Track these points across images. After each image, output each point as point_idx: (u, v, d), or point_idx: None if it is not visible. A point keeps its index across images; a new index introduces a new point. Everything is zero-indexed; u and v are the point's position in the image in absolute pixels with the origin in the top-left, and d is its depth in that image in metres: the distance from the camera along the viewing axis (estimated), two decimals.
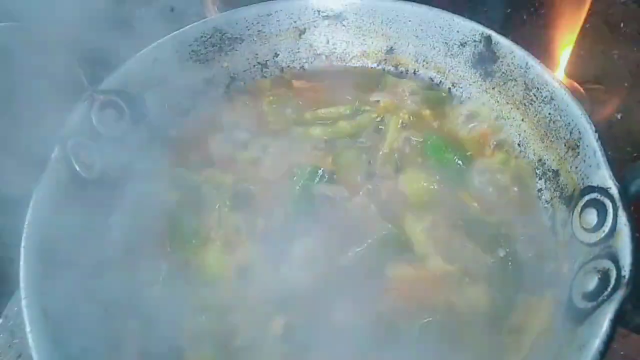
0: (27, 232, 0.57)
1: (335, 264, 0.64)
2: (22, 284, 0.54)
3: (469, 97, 0.78)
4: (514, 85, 0.72)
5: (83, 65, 0.72)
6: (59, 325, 0.53)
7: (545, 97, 0.68)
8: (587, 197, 0.59)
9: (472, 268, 0.61)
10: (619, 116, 1.23)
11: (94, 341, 0.56)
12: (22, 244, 0.56)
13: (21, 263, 0.55)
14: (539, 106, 0.69)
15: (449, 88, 0.81)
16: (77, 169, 0.66)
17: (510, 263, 0.61)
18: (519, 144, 0.73)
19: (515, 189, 0.69)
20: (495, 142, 0.74)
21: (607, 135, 0.83)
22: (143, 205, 0.71)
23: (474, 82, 0.78)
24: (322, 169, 0.72)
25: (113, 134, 0.73)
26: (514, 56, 0.72)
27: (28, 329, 0.50)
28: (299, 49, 0.87)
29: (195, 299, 0.64)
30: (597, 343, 0.46)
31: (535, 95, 0.69)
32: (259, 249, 0.67)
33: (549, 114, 0.67)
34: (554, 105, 0.66)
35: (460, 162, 0.73)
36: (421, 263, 0.64)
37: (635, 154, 1.12)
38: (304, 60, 0.88)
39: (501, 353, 0.57)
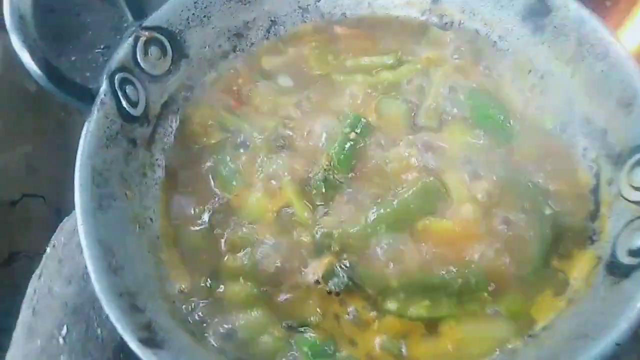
0: (80, 162, 0.58)
1: (372, 212, 0.64)
2: (78, 213, 0.55)
3: (516, 51, 0.77)
4: (566, 40, 0.71)
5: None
6: (112, 253, 0.55)
7: (599, 54, 0.66)
8: (637, 156, 0.59)
9: (514, 223, 0.62)
10: None
11: (143, 270, 0.58)
12: (76, 174, 0.57)
13: (75, 193, 0.56)
14: (592, 63, 0.67)
15: (495, 41, 0.79)
16: (124, 104, 0.66)
17: (552, 220, 0.62)
18: (565, 102, 0.72)
19: (560, 146, 0.69)
20: (540, 99, 0.73)
21: None
22: (187, 143, 0.73)
23: (522, 35, 0.76)
24: (363, 117, 0.72)
25: (156, 72, 0.73)
26: (568, 9, 0.70)
27: (87, 255, 0.52)
28: None
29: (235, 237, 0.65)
30: None
31: (588, 52, 0.68)
32: (298, 196, 0.67)
33: (602, 71, 0.66)
34: (608, 62, 0.65)
35: (503, 118, 0.72)
36: (459, 216, 0.64)
37: None
38: (346, 7, 0.86)
39: (539, 304, 0.58)
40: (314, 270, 0.62)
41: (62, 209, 1.23)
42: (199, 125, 0.74)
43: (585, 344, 0.47)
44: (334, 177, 0.68)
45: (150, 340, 0.49)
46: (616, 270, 0.54)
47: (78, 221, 0.54)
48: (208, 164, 0.71)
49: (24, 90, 1.17)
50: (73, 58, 1.52)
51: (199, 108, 0.76)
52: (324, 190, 0.67)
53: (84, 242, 0.53)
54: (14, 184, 1.09)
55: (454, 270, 0.60)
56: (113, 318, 0.49)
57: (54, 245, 0.68)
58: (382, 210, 0.64)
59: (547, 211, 0.63)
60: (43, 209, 1.18)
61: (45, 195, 1.17)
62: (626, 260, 0.53)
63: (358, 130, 0.71)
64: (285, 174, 0.69)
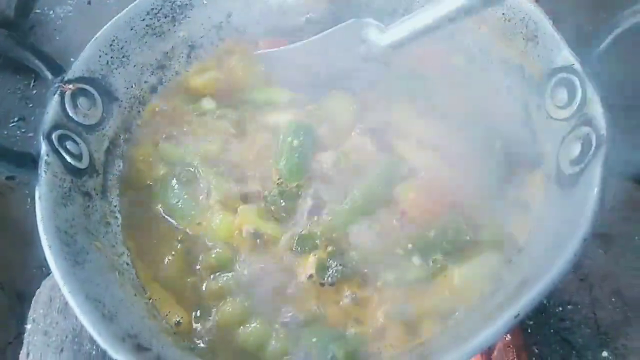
0: (43, 226, 0.57)
1: (345, 202, 0.66)
2: (57, 276, 0.54)
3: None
4: None
5: (42, 58, 0.71)
6: (102, 304, 0.54)
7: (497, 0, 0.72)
8: (554, 79, 0.65)
9: (471, 162, 0.66)
10: None
11: (136, 312, 0.58)
12: (42, 238, 0.56)
13: (48, 257, 0.55)
14: (492, 10, 0.73)
15: (405, 9, 0.84)
16: (68, 160, 0.66)
17: (502, 151, 0.67)
18: (479, 50, 0.78)
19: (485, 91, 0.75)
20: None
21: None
22: (136, 185, 0.72)
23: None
24: (303, 124, 0.73)
25: (90, 121, 0.72)
26: None
27: (78, 312, 0.51)
28: (250, 4, 0.87)
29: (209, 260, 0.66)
30: (595, 192, 0.52)
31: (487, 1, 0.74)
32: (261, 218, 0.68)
33: (503, 14, 0.72)
34: (507, 4, 0.71)
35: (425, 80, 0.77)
36: (422, 174, 0.68)
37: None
38: (257, 17, 0.88)
39: (509, 230, 0.63)
40: (304, 270, 0.63)
41: (19, 293, 1.18)
42: (142, 163, 0.74)
43: (559, 249, 0.51)
44: (289, 188, 0.69)
45: None
46: (565, 181, 0.59)
47: (60, 283, 0.53)
48: (160, 201, 0.71)
49: None
50: None
51: (139, 147, 0.76)
52: (283, 203, 0.68)
53: (72, 301, 0.52)
54: None
55: (435, 225, 0.63)
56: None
57: (33, 320, 0.65)
58: (355, 196, 0.66)
59: (497, 144, 0.68)
60: (3, 297, 1.12)
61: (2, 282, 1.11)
62: (570, 170, 0.59)
63: (301, 137, 0.72)
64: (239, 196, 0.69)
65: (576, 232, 0.50)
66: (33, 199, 1.21)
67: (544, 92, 0.66)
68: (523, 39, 0.70)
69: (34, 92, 1.60)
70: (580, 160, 0.58)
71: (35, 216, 0.58)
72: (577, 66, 0.61)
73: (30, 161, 0.62)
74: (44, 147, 0.63)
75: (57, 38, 1.53)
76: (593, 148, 0.56)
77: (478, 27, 0.77)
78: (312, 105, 0.77)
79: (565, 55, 0.63)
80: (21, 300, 1.17)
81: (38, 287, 1.17)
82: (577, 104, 0.61)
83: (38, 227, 0.57)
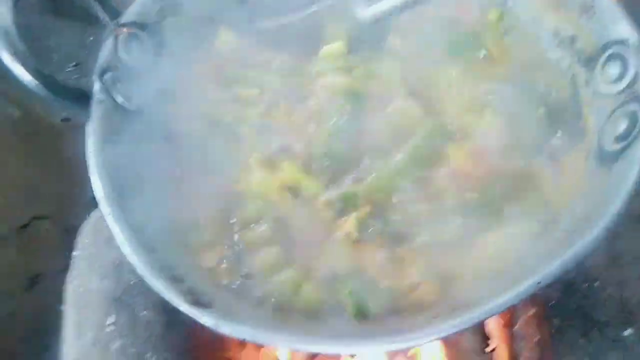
0: (92, 160, 0.61)
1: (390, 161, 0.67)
2: (102, 207, 0.58)
3: None
4: None
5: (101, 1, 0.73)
6: (143, 235, 0.58)
7: None
8: (606, 53, 0.62)
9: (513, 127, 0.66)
10: None
11: (174, 249, 0.62)
12: (91, 170, 0.60)
13: (95, 189, 0.59)
14: None
15: None
16: (119, 100, 0.69)
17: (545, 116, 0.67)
18: (532, 20, 0.75)
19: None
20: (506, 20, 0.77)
21: None
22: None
23: None
24: (353, 88, 0.73)
25: (140, 66, 0.75)
26: None
27: (120, 239, 0.55)
28: None
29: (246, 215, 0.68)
30: (636, 170, 0.51)
31: None
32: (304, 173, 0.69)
33: None
34: None
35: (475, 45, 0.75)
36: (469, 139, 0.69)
37: None
38: None
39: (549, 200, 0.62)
40: (343, 227, 0.65)
41: (69, 226, 1.26)
42: (184, 118, 0.76)
43: (589, 226, 0.51)
44: (336, 149, 0.70)
45: (197, 302, 0.52)
46: (607, 157, 0.58)
47: (104, 212, 0.57)
48: (200, 155, 0.72)
49: (7, 116, 1.18)
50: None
51: (181, 101, 0.77)
52: (327, 164, 0.69)
53: (115, 229, 0.56)
54: (19, 209, 1.11)
55: (479, 187, 0.64)
56: (159, 289, 0.52)
57: (80, 248, 0.70)
58: (399, 157, 0.67)
59: (541, 111, 0.67)
60: (51, 229, 1.20)
61: (50, 215, 1.19)
62: (613, 147, 0.58)
63: (350, 101, 0.73)
64: (284, 154, 0.70)
65: (610, 207, 0.50)
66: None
67: (595, 67, 0.64)
68: (579, 9, 0.67)
69: (91, 38, 1.67)
70: (624, 137, 0.56)
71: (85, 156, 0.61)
72: (633, 40, 0.59)
73: (85, 98, 0.66)
74: (96, 86, 0.67)
75: None
76: (639, 126, 0.55)
77: None
78: (359, 67, 0.77)
79: (622, 28, 0.61)
80: (70, 234, 1.26)
81: None
82: (629, 79, 0.59)
83: (87, 160, 0.61)
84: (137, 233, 0.57)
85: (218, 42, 0.83)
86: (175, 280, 0.55)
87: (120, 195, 0.60)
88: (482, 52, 0.75)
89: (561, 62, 0.71)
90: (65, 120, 1.46)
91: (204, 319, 0.50)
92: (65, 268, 1.21)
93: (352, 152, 0.70)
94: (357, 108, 0.73)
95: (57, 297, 1.16)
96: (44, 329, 1.12)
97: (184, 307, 0.51)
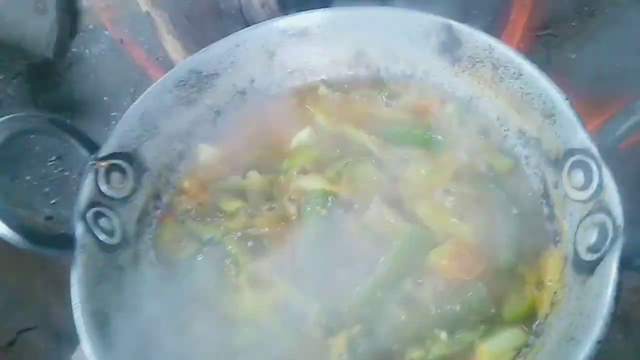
0: (79, 311, 0.61)
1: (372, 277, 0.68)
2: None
3: (444, 83, 0.83)
4: (482, 66, 0.78)
5: (80, 138, 0.75)
6: None
7: (513, 74, 0.73)
8: (571, 159, 0.65)
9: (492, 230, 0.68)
10: (573, 56, 1.31)
11: None
12: (78, 323, 0.60)
13: (83, 340, 0.59)
14: (509, 82, 0.74)
15: (421, 77, 0.86)
16: (102, 238, 0.69)
17: (518, 220, 0.68)
18: (497, 118, 0.79)
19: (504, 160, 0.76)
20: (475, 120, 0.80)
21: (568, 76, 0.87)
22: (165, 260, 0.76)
23: (444, 68, 0.83)
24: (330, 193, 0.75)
25: (122, 195, 0.76)
26: (476, 40, 0.77)
27: None
28: (272, 69, 0.90)
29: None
30: (609, 290, 0.53)
31: (504, 73, 0.75)
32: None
33: (520, 88, 0.73)
34: (523, 80, 0.72)
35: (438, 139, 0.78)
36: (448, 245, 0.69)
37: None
38: (279, 80, 0.91)
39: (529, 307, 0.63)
40: (336, 349, 0.65)
41: (60, 333, 1.23)
42: (170, 242, 0.77)
43: (573, 347, 0.52)
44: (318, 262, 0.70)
45: None
46: (582, 267, 0.60)
47: None
48: (190, 280, 0.72)
49: None
50: (28, 177, 1.54)
51: (167, 222, 0.79)
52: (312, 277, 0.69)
53: None
54: (3, 326, 1.09)
55: (461, 296, 0.64)
56: None
57: None
58: (382, 269, 0.68)
59: (514, 211, 0.69)
60: (40, 339, 1.18)
61: (38, 326, 1.17)
62: (587, 257, 0.59)
63: (328, 205, 0.74)
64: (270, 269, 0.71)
65: (591, 332, 0.51)
66: None
67: (561, 170, 0.67)
68: (540, 114, 0.71)
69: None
70: (597, 249, 0.58)
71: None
72: (594, 150, 0.62)
73: (68, 243, 0.66)
74: (79, 228, 0.67)
75: (92, 76, 1.60)
76: (609, 238, 0.57)
77: (495, 96, 0.78)
78: (335, 172, 0.79)
79: (582, 138, 0.63)
80: (59, 340, 1.24)
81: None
82: (594, 189, 0.61)
83: (73, 312, 0.61)
84: None
85: (202, 157, 0.86)
86: None
87: (109, 345, 0.60)
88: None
89: (530, 161, 0.74)
90: (48, 218, 1.47)
91: None
92: None
93: (333, 263, 0.71)
94: (334, 213, 0.74)
95: None
96: None
97: None
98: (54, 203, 1.45)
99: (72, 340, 1.24)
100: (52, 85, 1.58)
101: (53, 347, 1.20)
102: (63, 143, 0.74)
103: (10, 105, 1.56)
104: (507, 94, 0.76)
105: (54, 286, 1.25)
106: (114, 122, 0.90)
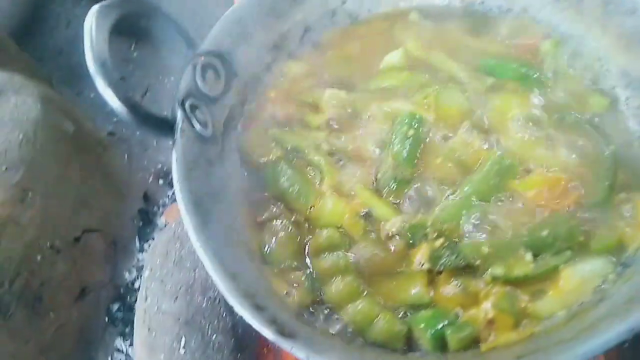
0: (179, 187, 0.63)
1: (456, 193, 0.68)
2: (192, 233, 0.60)
3: (543, 20, 0.81)
4: (591, 1, 0.75)
5: (180, 31, 0.76)
6: (226, 263, 0.60)
7: (627, 10, 0.71)
8: None
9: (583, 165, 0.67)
10: None
11: (252, 275, 0.63)
12: (178, 197, 0.62)
13: (184, 217, 0.61)
14: (621, 20, 0.72)
15: (518, 13, 0.84)
16: (198, 128, 0.71)
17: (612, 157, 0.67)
18: (599, 58, 0.76)
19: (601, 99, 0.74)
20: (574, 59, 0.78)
21: None
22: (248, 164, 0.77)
23: (548, 3, 0.81)
24: (417, 114, 0.75)
25: (214, 93, 0.78)
26: None
27: (209, 267, 0.57)
28: None
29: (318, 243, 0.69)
30: None
31: (615, 10, 0.73)
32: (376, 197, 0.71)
33: (633, 26, 0.71)
34: (638, 15, 0.70)
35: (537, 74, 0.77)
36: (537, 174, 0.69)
37: None
38: (369, 4, 0.90)
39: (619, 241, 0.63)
40: (416, 258, 0.65)
41: (117, 240, 1.29)
42: (255, 146, 0.78)
43: None
44: (402, 174, 0.71)
45: (282, 332, 0.54)
46: None
47: (192, 238, 0.59)
48: (272, 185, 0.74)
49: (63, 132, 1.22)
50: (92, 95, 1.58)
51: (252, 128, 0.80)
52: (395, 188, 0.70)
53: (204, 256, 0.58)
54: (72, 222, 1.14)
55: (550, 223, 0.64)
56: (247, 317, 0.54)
57: (151, 269, 0.72)
58: (466, 189, 0.68)
59: (607, 149, 0.68)
60: (100, 242, 1.23)
61: (99, 229, 1.22)
62: None
63: (415, 128, 0.74)
64: (354, 179, 0.72)
65: None
66: (129, 154, 1.29)
67: None
68: None
69: (135, 54, 1.71)
70: None
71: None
72: None
73: (167, 126, 0.68)
74: (179, 114, 0.69)
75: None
76: None
77: (601, 34, 0.76)
78: (423, 96, 0.78)
79: None
80: (115, 247, 1.29)
81: (130, 235, 1.28)
82: None
83: (174, 188, 0.63)
84: (220, 259, 0.59)
85: (287, 70, 0.86)
86: (258, 308, 0.56)
87: (203, 221, 0.62)
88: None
89: (630, 102, 0.72)
90: (111, 134, 1.51)
91: (294, 349, 0.51)
92: (110, 281, 1.24)
93: (417, 179, 0.72)
94: (420, 135, 0.74)
95: (103, 310, 1.18)
96: (89, 342, 1.14)
97: (271, 337, 0.52)
98: (116, 121, 1.49)
99: (126, 249, 1.30)
100: None
101: (110, 252, 1.26)
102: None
103: None
104: (615, 32, 0.74)
105: (112, 196, 1.31)
106: None
